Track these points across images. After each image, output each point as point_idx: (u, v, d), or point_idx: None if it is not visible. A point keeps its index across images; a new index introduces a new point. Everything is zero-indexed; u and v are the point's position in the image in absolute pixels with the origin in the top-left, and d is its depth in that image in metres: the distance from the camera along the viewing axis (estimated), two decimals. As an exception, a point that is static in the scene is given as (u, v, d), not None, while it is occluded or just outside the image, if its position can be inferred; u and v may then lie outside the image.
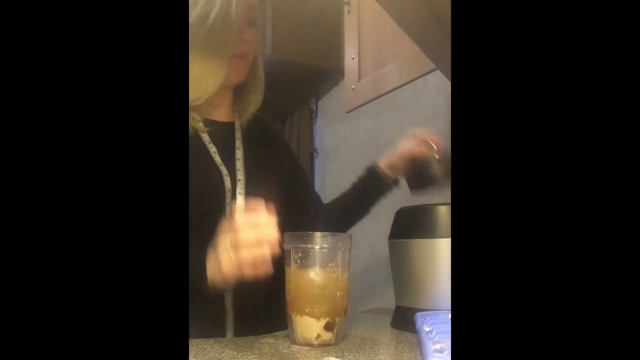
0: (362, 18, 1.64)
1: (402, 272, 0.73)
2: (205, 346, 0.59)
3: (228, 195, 0.73)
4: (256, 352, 0.57)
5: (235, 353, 0.56)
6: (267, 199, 0.74)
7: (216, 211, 0.70)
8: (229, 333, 0.72)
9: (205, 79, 0.70)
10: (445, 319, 0.58)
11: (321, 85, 1.99)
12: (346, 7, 1.64)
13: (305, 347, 0.59)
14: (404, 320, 0.71)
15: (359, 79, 1.66)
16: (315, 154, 2.06)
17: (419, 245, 0.70)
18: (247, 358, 0.53)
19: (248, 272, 0.57)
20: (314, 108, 2.05)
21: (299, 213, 0.82)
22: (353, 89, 1.67)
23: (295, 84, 1.90)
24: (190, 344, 0.59)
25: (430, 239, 0.69)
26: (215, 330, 0.70)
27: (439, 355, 0.45)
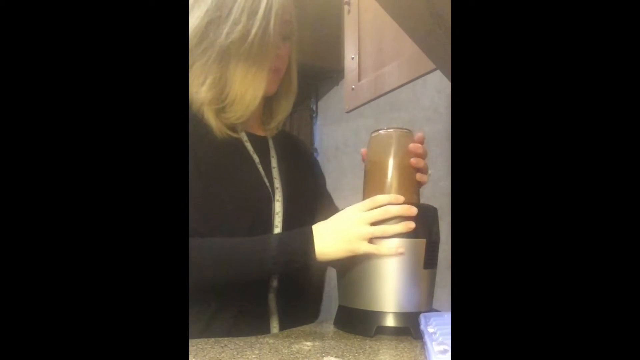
0: (362, 18, 1.64)
1: (344, 271, 0.73)
2: (205, 346, 0.59)
3: (273, 202, 0.75)
4: (256, 352, 0.57)
5: (235, 353, 0.56)
6: (303, 203, 0.81)
7: (262, 216, 0.74)
8: (274, 329, 0.73)
9: (247, 95, 0.72)
10: (449, 320, 0.58)
11: (321, 85, 1.99)
12: (346, 7, 1.64)
13: (305, 347, 0.59)
14: (345, 320, 0.71)
15: (359, 79, 1.66)
16: (315, 154, 2.06)
17: None
18: (247, 358, 0.53)
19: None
20: (314, 108, 2.06)
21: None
22: (353, 89, 1.67)
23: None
24: (190, 344, 0.59)
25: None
26: (260, 327, 0.72)
27: (442, 357, 0.45)
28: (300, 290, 0.77)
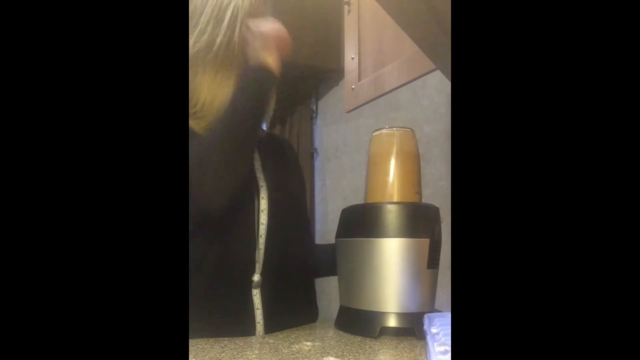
0: (362, 18, 1.64)
1: (345, 272, 0.72)
2: (206, 346, 0.59)
3: (257, 198, 0.77)
4: (256, 352, 0.57)
5: (235, 353, 0.56)
6: (288, 202, 0.82)
7: (246, 208, 0.75)
8: (259, 329, 0.73)
9: (216, 101, 0.74)
10: None
11: (321, 85, 1.99)
12: (346, 7, 1.64)
13: (305, 347, 0.59)
14: (347, 321, 0.70)
15: (359, 79, 1.66)
16: (315, 154, 2.06)
17: (362, 245, 0.68)
18: (247, 358, 0.53)
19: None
20: (314, 108, 2.05)
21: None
22: (353, 89, 1.67)
23: (295, 84, 1.90)
24: (190, 344, 0.59)
25: (375, 239, 0.67)
26: (245, 328, 0.72)
27: (442, 357, 0.45)
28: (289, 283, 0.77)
